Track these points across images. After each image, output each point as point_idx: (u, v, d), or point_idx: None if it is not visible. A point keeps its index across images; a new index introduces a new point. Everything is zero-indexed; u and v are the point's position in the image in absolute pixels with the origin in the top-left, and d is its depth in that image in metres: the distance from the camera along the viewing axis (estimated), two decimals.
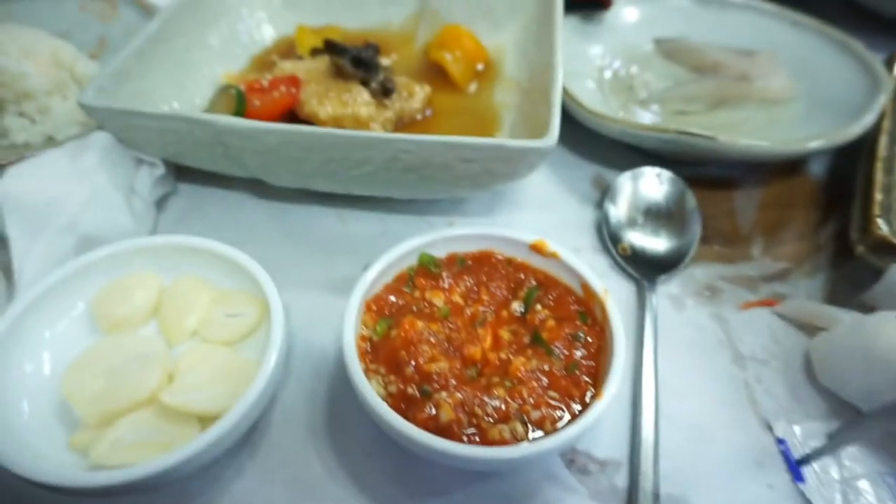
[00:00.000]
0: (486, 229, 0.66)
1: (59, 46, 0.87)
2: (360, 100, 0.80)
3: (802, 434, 0.59)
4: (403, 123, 0.84)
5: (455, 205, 0.79)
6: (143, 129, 0.69)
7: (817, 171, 0.86)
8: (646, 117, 0.91)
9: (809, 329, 0.67)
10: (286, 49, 0.97)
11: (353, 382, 0.54)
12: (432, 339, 0.58)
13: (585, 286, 0.63)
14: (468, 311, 0.63)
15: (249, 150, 0.67)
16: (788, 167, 0.86)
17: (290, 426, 0.59)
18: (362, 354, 0.58)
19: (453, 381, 0.56)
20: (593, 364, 0.58)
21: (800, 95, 0.90)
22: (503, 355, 0.59)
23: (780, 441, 0.59)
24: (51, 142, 0.82)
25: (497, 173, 0.66)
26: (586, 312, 0.62)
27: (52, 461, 0.53)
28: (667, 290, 0.71)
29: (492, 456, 0.50)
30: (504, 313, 0.63)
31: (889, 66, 0.87)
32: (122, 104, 0.70)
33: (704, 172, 0.83)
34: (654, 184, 0.77)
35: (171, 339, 0.62)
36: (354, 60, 0.84)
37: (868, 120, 0.77)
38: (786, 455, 0.58)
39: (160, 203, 0.79)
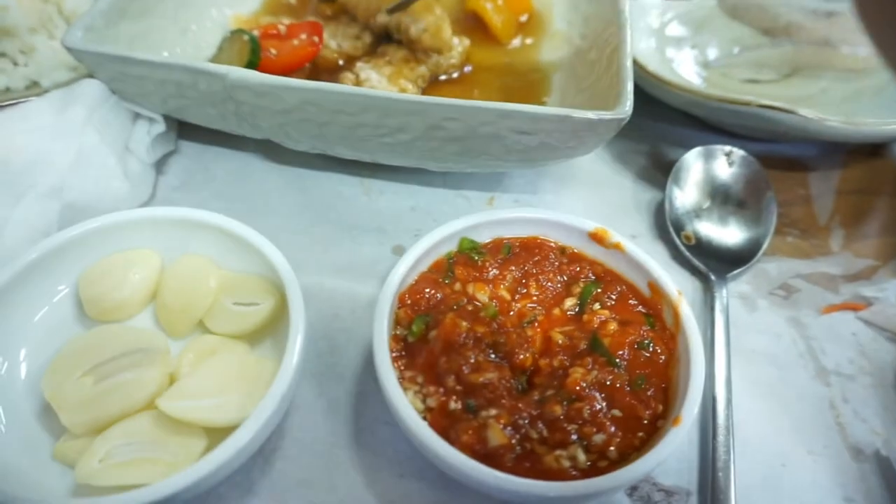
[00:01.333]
0: (537, 213, 0.57)
1: None
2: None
3: None
4: (437, 81, 0.74)
5: (496, 179, 0.70)
6: (140, 78, 0.59)
7: None
8: (709, 85, 0.80)
9: None
10: None
11: (385, 395, 0.46)
12: (477, 344, 0.50)
13: (653, 286, 0.54)
14: (515, 307, 0.55)
15: (265, 109, 0.57)
16: (870, 146, 0.76)
17: (308, 438, 0.51)
18: (396, 359, 0.50)
19: (503, 396, 0.48)
20: (662, 379, 0.50)
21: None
22: (556, 363, 0.51)
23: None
24: (35, 87, 0.71)
25: (554, 148, 0.57)
26: (653, 316, 0.54)
27: (33, 475, 0.45)
28: (736, 288, 0.63)
29: (551, 493, 0.43)
30: (556, 311, 0.55)
31: None
32: (115, 48, 0.60)
33: (775, 150, 0.74)
34: (724, 164, 0.67)
35: (171, 330, 0.54)
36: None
37: None
38: None
39: (159, 164, 0.69)
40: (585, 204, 0.69)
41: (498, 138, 0.56)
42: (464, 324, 0.50)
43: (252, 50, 0.66)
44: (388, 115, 0.55)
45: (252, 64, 0.66)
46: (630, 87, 0.55)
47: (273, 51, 0.68)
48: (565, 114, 0.52)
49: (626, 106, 0.53)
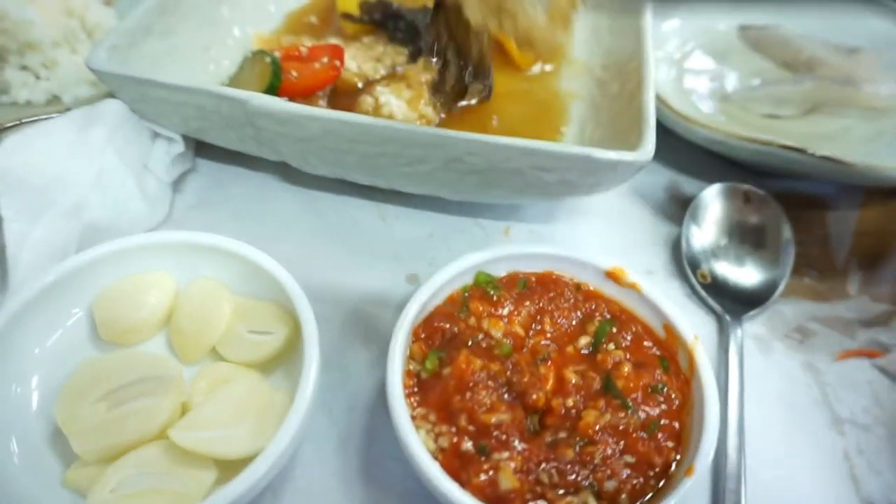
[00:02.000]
0: (554, 249, 0.57)
1: None
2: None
3: None
4: (456, 107, 0.74)
5: (512, 208, 0.70)
6: (161, 100, 0.59)
7: None
8: (728, 118, 0.80)
9: None
10: (324, 7, 0.86)
11: (397, 433, 0.46)
12: (491, 384, 0.50)
13: (669, 328, 0.54)
14: (529, 343, 0.54)
15: (286, 136, 0.58)
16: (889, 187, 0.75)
17: (317, 472, 0.51)
18: (409, 395, 0.50)
19: (515, 438, 0.47)
20: (676, 424, 0.50)
21: None
22: (570, 403, 0.50)
23: None
24: (55, 101, 0.72)
25: (574, 185, 0.57)
26: (668, 359, 0.53)
27: (44, 503, 0.45)
28: (752, 330, 0.62)
29: None
30: (570, 349, 0.54)
31: None
32: (138, 69, 0.60)
33: (795, 187, 0.73)
34: (742, 203, 0.67)
35: (185, 356, 0.54)
36: (409, 28, 0.73)
37: None
38: None
39: (176, 183, 0.69)
40: (601, 237, 0.69)
41: (518, 173, 0.56)
42: (478, 362, 0.50)
43: (273, 72, 0.66)
44: (409, 147, 0.55)
45: (273, 86, 0.66)
46: (653, 129, 0.54)
47: (294, 73, 0.68)
48: (587, 153, 0.52)
49: (648, 149, 0.53)
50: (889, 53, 0.84)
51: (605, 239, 0.69)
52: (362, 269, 0.64)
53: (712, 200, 0.67)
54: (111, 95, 0.65)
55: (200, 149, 0.72)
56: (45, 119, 0.61)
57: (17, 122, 0.61)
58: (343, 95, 0.73)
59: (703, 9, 0.74)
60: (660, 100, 0.70)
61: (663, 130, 0.71)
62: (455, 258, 0.61)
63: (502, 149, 0.52)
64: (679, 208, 0.71)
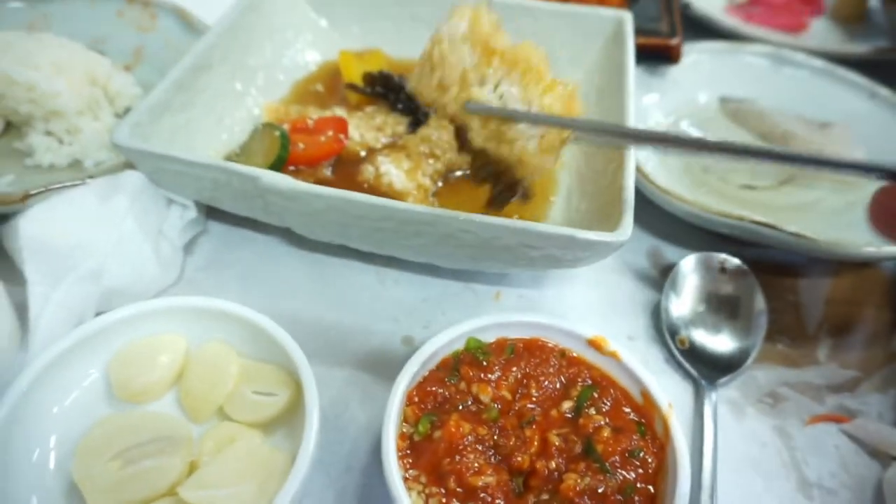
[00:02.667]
0: (540, 318, 0.61)
1: (94, 60, 0.81)
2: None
3: None
4: (451, 175, 0.79)
5: (502, 274, 0.74)
6: (178, 173, 0.64)
7: (891, 265, 0.80)
8: (708, 189, 0.85)
9: (882, 456, 0.61)
10: (330, 77, 0.92)
11: (391, 494, 0.49)
12: (479, 447, 0.53)
13: (646, 395, 0.58)
14: (516, 407, 0.58)
15: (293, 209, 0.62)
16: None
17: None
18: (402, 456, 0.53)
19: (501, 500, 0.51)
20: (651, 488, 0.53)
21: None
22: (553, 465, 0.54)
23: None
24: (77, 165, 0.77)
25: (558, 259, 0.61)
26: (645, 425, 0.57)
27: None
28: (726, 394, 0.66)
29: None
30: (554, 413, 0.58)
31: None
32: (157, 143, 0.65)
33: (768, 255, 0.78)
34: (720, 274, 0.71)
35: (194, 415, 0.57)
36: (410, 99, 0.78)
37: None
38: None
39: (187, 245, 0.73)
40: (586, 301, 0.73)
41: (507, 248, 0.60)
42: (467, 426, 0.54)
43: (282, 145, 0.71)
44: (407, 224, 0.59)
45: (281, 158, 0.71)
46: (631, 213, 0.59)
47: (301, 145, 0.73)
48: (570, 234, 0.56)
49: (626, 231, 0.57)
50: (860, 127, 0.90)
51: (590, 304, 0.73)
52: (361, 331, 0.68)
53: (690, 270, 0.71)
54: (130, 163, 0.70)
55: (211, 211, 0.76)
56: (70, 186, 0.66)
57: (43, 190, 0.65)
58: (347, 163, 0.78)
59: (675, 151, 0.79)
60: (642, 173, 0.75)
61: (646, 199, 0.76)
62: (449, 321, 0.65)
63: (492, 227, 0.57)
64: (660, 274, 0.76)
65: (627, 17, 0.85)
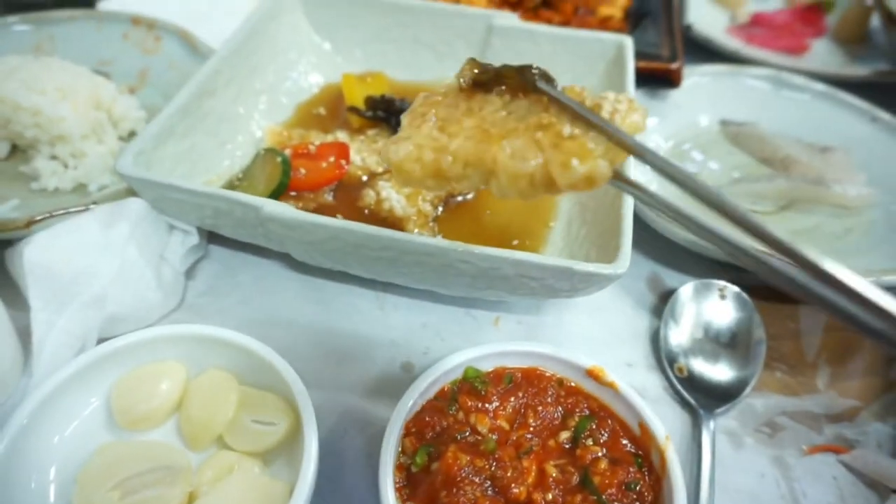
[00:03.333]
0: (539, 347, 0.61)
1: (99, 84, 0.82)
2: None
3: None
4: (452, 199, 0.79)
5: (501, 301, 0.74)
6: (180, 202, 0.65)
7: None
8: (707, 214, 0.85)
9: (881, 489, 0.61)
10: (333, 100, 0.92)
11: None
12: (476, 479, 0.54)
13: (644, 426, 0.58)
14: (513, 437, 0.58)
15: (294, 238, 0.63)
16: None
17: None
18: (399, 488, 0.53)
19: None
20: None
21: (877, 202, 0.84)
22: (550, 497, 0.54)
23: None
24: (81, 189, 0.78)
25: (556, 289, 0.62)
26: (642, 457, 0.57)
27: None
28: (724, 423, 0.66)
29: None
30: (551, 443, 0.58)
31: None
32: (160, 171, 0.66)
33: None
34: (719, 302, 0.72)
35: (193, 443, 0.58)
36: None
37: None
38: None
39: (189, 269, 0.74)
40: (585, 328, 0.73)
41: (505, 278, 0.61)
42: (464, 458, 0.54)
43: (284, 171, 0.72)
44: (406, 254, 0.60)
45: (283, 184, 0.72)
46: (628, 246, 0.59)
47: (303, 171, 0.74)
48: (567, 266, 0.57)
49: (624, 263, 0.57)
50: (861, 151, 0.90)
51: (588, 331, 0.73)
52: (360, 357, 0.68)
53: (689, 299, 0.72)
54: (132, 190, 0.70)
55: (213, 235, 0.77)
56: (73, 213, 0.66)
57: (47, 216, 0.66)
58: (348, 188, 0.79)
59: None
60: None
61: (645, 225, 0.76)
62: (448, 346, 0.65)
63: (490, 259, 0.58)
64: (658, 300, 0.76)
65: (628, 42, 0.86)
